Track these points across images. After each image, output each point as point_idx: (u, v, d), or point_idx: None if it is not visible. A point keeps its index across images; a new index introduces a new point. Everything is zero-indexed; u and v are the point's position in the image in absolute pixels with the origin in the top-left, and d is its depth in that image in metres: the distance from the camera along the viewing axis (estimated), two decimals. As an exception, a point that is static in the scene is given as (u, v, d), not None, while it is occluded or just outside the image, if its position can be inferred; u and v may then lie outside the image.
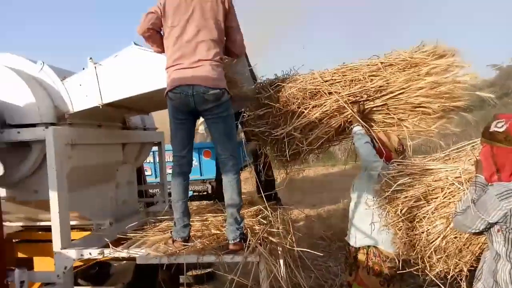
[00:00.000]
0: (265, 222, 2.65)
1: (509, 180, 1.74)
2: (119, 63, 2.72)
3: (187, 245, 2.38)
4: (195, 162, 6.82)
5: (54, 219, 2.58)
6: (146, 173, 6.43)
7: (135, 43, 2.72)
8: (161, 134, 4.35)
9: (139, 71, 2.70)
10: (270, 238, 2.37)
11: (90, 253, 2.51)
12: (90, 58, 2.74)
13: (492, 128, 1.80)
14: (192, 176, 7.06)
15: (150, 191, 5.10)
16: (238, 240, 2.30)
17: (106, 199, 3.45)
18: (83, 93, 2.77)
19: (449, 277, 2.08)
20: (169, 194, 4.56)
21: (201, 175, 6.89)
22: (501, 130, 1.75)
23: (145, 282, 3.42)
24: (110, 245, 2.50)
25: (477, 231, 1.81)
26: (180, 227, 2.44)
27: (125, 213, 3.60)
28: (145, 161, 6.62)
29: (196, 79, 2.34)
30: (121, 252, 2.45)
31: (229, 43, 2.60)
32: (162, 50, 2.56)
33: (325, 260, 4.86)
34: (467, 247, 2.04)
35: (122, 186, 3.71)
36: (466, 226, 1.84)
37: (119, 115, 3.38)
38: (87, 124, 3.06)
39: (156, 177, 6.71)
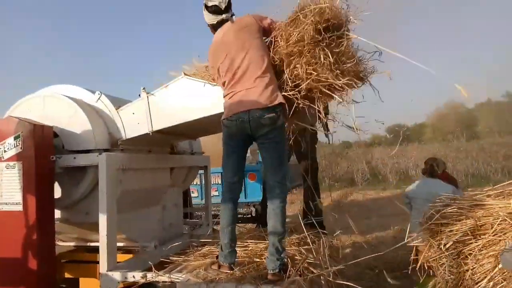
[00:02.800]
0: (305, 253, 2.60)
1: None
2: (169, 93, 2.87)
3: (232, 271, 2.39)
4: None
5: (102, 242, 2.71)
6: (193, 195, 6.60)
7: (184, 74, 2.85)
8: (207, 158, 4.46)
9: (188, 100, 2.82)
10: (312, 269, 2.31)
11: (133, 276, 2.59)
12: (143, 88, 2.92)
13: None
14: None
15: (196, 213, 5.20)
16: (277, 270, 2.28)
17: (153, 221, 3.57)
18: (135, 121, 2.94)
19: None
20: (214, 217, 4.67)
21: (245, 198, 6.93)
22: None
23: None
24: (153, 268, 2.57)
25: None
26: (228, 252, 2.47)
27: (170, 236, 3.70)
28: (192, 183, 6.84)
29: (252, 103, 2.38)
30: (163, 277, 2.51)
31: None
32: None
33: (374, 293, 4.65)
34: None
35: (168, 208, 3.83)
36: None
37: (168, 141, 3.52)
38: (138, 150, 3.21)
39: (202, 199, 6.85)
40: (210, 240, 3.20)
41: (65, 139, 2.89)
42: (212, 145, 4.93)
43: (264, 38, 2.59)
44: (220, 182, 7.54)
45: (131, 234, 3.23)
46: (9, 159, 2.64)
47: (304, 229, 2.81)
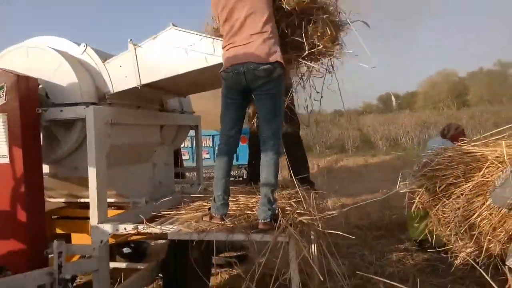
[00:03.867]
0: (295, 205, 2.62)
1: None
2: (158, 45, 2.78)
3: (223, 222, 2.41)
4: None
5: (92, 195, 2.70)
6: (184, 158, 6.58)
7: (173, 25, 2.76)
8: (198, 118, 4.41)
9: (177, 52, 2.74)
10: (301, 219, 2.34)
11: (125, 228, 2.60)
12: (130, 40, 2.82)
13: None
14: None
15: (187, 174, 5.21)
16: (268, 220, 2.30)
17: (143, 178, 3.56)
18: (122, 74, 2.86)
19: (481, 257, 2.05)
20: (206, 179, 4.68)
21: (236, 160, 6.92)
22: None
23: (178, 261, 3.50)
24: (144, 221, 2.57)
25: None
26: (220, 204, 2.48)
27: (161, 194, 3.70)
28: (183, 146, 6.80)
29: (248, 56, 2.36)
30: (154, 228, 2.52)
31: None
32: None
33: (360, 249, 4.77)
34: (501, 225, 2.00)
35: (159, 167, 3.81)
36: (506, 198, 1.85)
37: (157, 97, 3.45)
38: (126, 105, 3.15)
39: (193, 162, 6.85)
40: (202, 195, 3.20)
41: (51, 92, 2.81)
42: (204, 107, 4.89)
43: None
44: (211, 145, 7.54)
45: (122, 189, 3.22)
46: (-7, 111, 2.57)
47: (296, 182, 2.84)
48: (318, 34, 2.49)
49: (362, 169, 11.54)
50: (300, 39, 2.51)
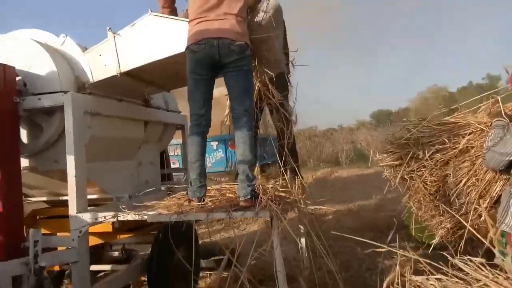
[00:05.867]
0: (277, 185, 2.56)
1: None
2: (136, 32, 2.77)
3: (202, 204, 2.34)
4: (221, 154, 6.85)
5: (70, 184, 2.63)
6: (174, 166, 6.50)
7: (151, 11, 2.76)
8: (184, 117, 4.38)
9: (155, 38, 2.73)
10: (282, 194, 2.28)
11: (104, 217, 2.52)
12: (109, 28, 2.81)
13: None
14: (218, 168, 7.01)
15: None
16: (249, 196, 2.24)
17: (127, 176, 3.49)
18: (102, 63, 2.83)
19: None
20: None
21: (227, 167, 6.87)
22: None
23: (163, 259, 3.40)
24: (124, 210, 2.50)
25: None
26: (197, 187, 2.41)
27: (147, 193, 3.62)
28: (172, 154, 6.73)
29: (223, 31, 2.37)
30: (134, 215, 2.44)
31: None
32: (169, 9, 2.63)
33: (354, 247, 4.66)
34: (487, 191, 1.95)
35: (144, 165, 3.75)
36: (504, 154, 1.82)
37: (139, 89, 3.42)
38: (107, 96, 3.11)
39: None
40: (185, 186, 3.13)
41: (29, 81, 2.77)
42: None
43: None
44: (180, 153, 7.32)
45: (104, 184, 3.15)
46: (-32, 100, 2.52)
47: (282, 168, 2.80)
48: None
49: (356, 179, 11.48)
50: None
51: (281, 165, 3.27)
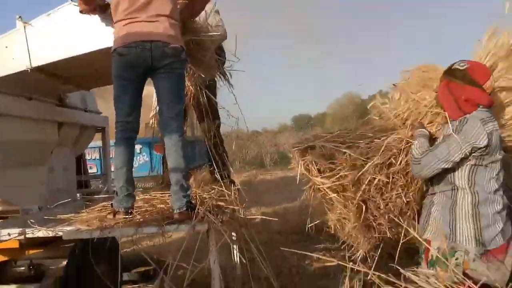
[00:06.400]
0: (214, 195, 2.41)
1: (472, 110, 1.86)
2: (53, 23, 2.45)
3: (129, 217, 2.09)
4: (145, 158, 6.46)
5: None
6: (91, 170, 5.97)
7: (72, 0, 2.45)
8: (105, 119, 4.01)
9: (74, 31, 2.44)
10: (221, 204, 2.13)
11: (8, 233, 2.14)
12: (19, 17, 2.45)
13: (455, 66, 1.95)
14: (142, 173, 6.59)
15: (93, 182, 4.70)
16: (184, 208, 2.05)
17: (36, 183, 3.07)
18: (9, 56, 2.47)
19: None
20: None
21: (151, 171, 6.49)
22: (461, 68, 1.91)
23: (83, 276, 3.04)
24: (33, 225, 2.15)
25: (449, 165, 1.85)
26: (123, 197, 2.15)
27: (59, 202, 3.22)
28: (89, 158, 6.18)
29: (156, 34, 2.15)
30: (46, 231, 2.11)
31: None
32: (89, 8, 2.32)
33: (281, 252, 4.66)
34: (408, 204, 2.10)
35: (57, 171, 3.34)
36: (438, 161, 1.87)
37: (54, 87, 3.02)
38: (16, 95, 2.70)
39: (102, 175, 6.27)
40: (107, 195, 2.83)
41: None
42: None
43: None
44: (98, 157, 6.85)
45: (9, 195, 2.72)
46: None
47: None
48: None
49: (280, 181, 11.68)
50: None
51: (215, 170, 3.13)
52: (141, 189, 6.40)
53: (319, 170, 2.19)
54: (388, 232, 2.13)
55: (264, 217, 3.23)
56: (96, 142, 4.70)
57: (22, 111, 2.73)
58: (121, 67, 2.19)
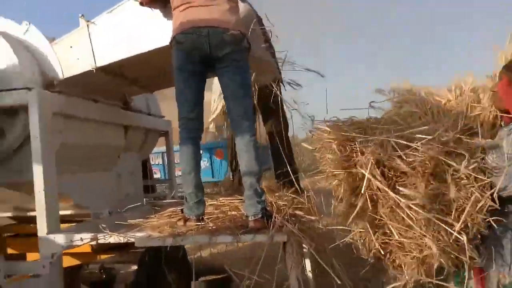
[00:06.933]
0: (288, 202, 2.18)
1: None
2: (114, 20, 2.35)
3: (201, 224, 1.92)
4: (206, 163, 6.38)
5: (38, 199, 2.17)
6: (155, 176, 6.00)
7: None
8: (168, 123, 3.95)
9: (138, 27, 2.32)
10: (300, 213, 1.89)
11: (81, 238, 2.06)
12: (82, 16, 2.39)
13: None
14: (203, 178, 6.50)
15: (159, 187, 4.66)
16: (260, 216, 1.84)
17: (106, 189, 3.04)
18: (74, 56, 2.40)
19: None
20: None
21: (212, 177, 6.42)
22: None
23: (152, 284, 2.95)
24: (105, 229, 2.05)
25: None
26: (193, 203, 2.00)
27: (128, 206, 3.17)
28: (153, 163, 6.23)
29: (212, 20, 1.99)
30: (118, 236, 2.00)
31: None
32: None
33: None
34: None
35: (124, 177, 3.29)
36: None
37: (118, 89, 2.97)
38: (81, 97, 2.66)
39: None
40: (175, 200, 2.71)
41: (-17, 76, 2.29)
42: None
43: None
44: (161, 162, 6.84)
45: (80, 199, 2.69)
46: None
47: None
48: None
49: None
50: None
51: (284, 175, 2.91)
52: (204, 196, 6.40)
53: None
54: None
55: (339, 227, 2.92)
56: (159, 148, 4.67)
57: (89, 113, 2.69)
58: (180, 57, 2.06)
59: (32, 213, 2.77)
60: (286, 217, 1.87)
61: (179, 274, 2.95)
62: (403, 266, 1.86)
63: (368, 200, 1.80)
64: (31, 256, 2.74)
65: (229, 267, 3.98)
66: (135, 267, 4.33)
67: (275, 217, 1.84)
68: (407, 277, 1.82)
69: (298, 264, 1.73)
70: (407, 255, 1.81)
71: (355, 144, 1.87)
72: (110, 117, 2.94)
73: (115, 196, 3.14)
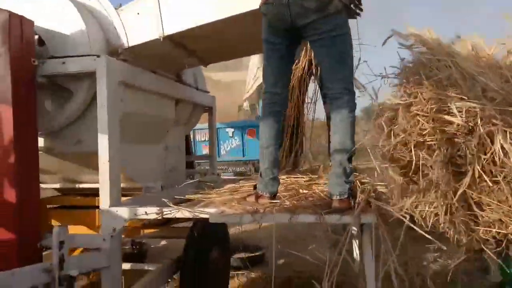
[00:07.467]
0: (370, 179, 2.08)
1: None
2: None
3: (276, 202, 1.85)
4: (237, 142, 6.32)
5: (102, 170, 2.11)
6: (204, 152, 5.98)
7: None
8: (213, 98, 3.87)
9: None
10: (384, 192, 1.80)
11: (146, 212, 2.01)
12: None
13: None
14: (233, 157, 6.51)
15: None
16: (346, 196, 1.76)
17: (156, 161, 2.99)
18: (141, 24, 2.32)
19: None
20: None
21: (243, 156, 6.36)
22: None
23: (198, 260, 2.93)
24: (170, 204, 2.00)
25: None
26: (269, 180, 1.92)
27: (173, 182, 3.12)
28: (203, 139, 6.22)
29: None
30: (186, 211, 1.94)
31: None
32: None
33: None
34: None
35: (171, 150, 3.24)
36: None
37: (177, 60, 2.88)
38: (141, 66, 2.59)
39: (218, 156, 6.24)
40: (232, 177, 2.64)
41: (50, 42, 2.22)
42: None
43: None
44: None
45: (132, 171, 2.63)
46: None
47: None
48: None
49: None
50: None
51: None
52: (232, 173, 6.37)
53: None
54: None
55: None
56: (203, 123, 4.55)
57: (148, 84, 2.62)
58: (265, 29, 1.95)
59: (81, 185, 2.77)
60: (373, 197, 1.78)
61: (222, 250, 2.92)
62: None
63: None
64: (72, 230, 2.71)
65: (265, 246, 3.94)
66: (164, 242, 4.35)
67: (359, 198, 1.75)
68: None
69: (388, 249, 1.63)
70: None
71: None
72: (165, 89, 2.86)
73: (163, 169, 3.10)
